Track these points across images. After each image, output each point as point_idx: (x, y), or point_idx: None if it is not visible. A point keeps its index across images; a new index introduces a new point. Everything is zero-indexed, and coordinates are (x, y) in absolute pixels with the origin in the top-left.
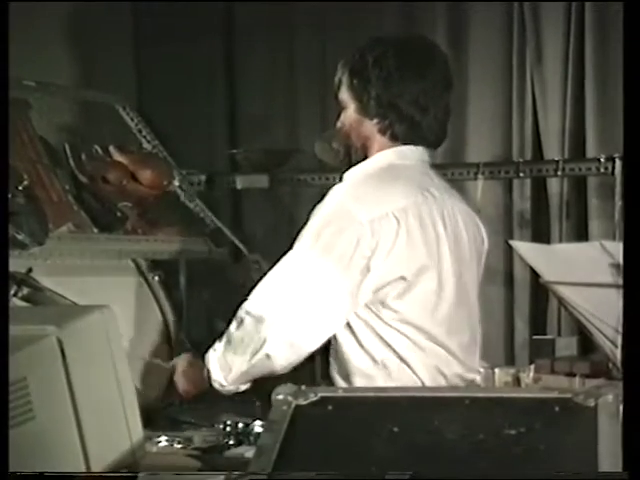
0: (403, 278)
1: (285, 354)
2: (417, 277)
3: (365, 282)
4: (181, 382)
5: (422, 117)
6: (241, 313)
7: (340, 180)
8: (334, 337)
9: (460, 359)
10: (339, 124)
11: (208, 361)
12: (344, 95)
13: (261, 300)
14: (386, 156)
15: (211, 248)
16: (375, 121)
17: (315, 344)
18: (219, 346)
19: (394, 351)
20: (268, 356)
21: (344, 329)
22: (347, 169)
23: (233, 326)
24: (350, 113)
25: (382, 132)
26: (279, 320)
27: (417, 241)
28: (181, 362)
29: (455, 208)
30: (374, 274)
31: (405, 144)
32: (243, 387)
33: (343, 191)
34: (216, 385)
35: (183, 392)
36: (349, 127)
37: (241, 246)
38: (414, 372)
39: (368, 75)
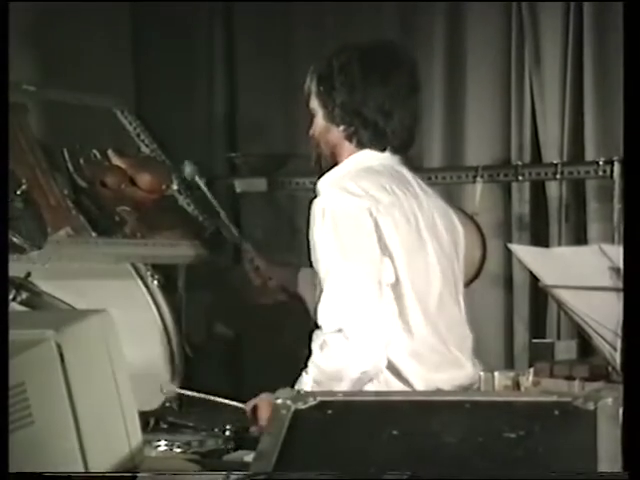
0: (404, 263)
1: (378, 361)
2: (407, 272)
3: (385, 263)
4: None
5: (387, 123)
6: (319, 337)
7: (314, 186)
8: None
9: (451, 357)
10: (311, 132)
11: None
12: (313, 103)
13: (332, 318)
14: (361, 158)
15: (210, 252)
16: (341, 128)
17: (389, 332)
18: (308, 379)
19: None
20: (366, 372)
21: None
22: (320, 176)
23: (316, 353)
24: (319, 120)
25: (349, 139)
26: (359, 328)
27: (405, 236)
28: (264, 404)
29: (431, 204)
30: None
31: (372, 150)
32: None
33: (336, 192)
34: None
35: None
36: (318, 134)
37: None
38: (407, 380)
39: (333, 82)
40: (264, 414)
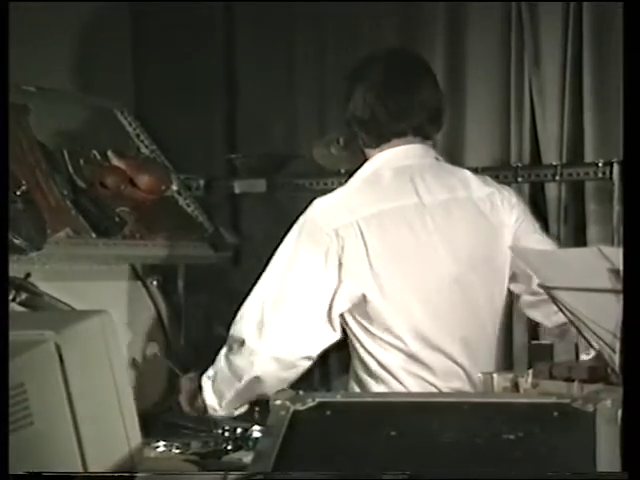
0: (377, 285)
1: (273, 372)
2: (392, 285)
3: (340, 291)
4: (183, 403)
5: (383, 110)
6: (229, 338)
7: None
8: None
9: (461, 368)
10: None
11: (203, 387)
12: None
13: (243, 323)
14: (371, 164)
15: (209, 253)
16: (360, 141)
17: (302, 357)
18: (212, 372)
19: (384, 368)
20: (257, 378)
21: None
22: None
23: (223, 351)
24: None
25: (366, 145)
26: (262, 340)
27: (386, 249)
28: (184, 383)
29: (451, 205)
30: (347, 283)
31: (388, 145)
32: (237, 412)
33: (316, 203)
34: (210, 411)
35: (185, 412)
36: (362, 158)
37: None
38: (406, 388)
39: (345, 115)
40: (183, 397)
